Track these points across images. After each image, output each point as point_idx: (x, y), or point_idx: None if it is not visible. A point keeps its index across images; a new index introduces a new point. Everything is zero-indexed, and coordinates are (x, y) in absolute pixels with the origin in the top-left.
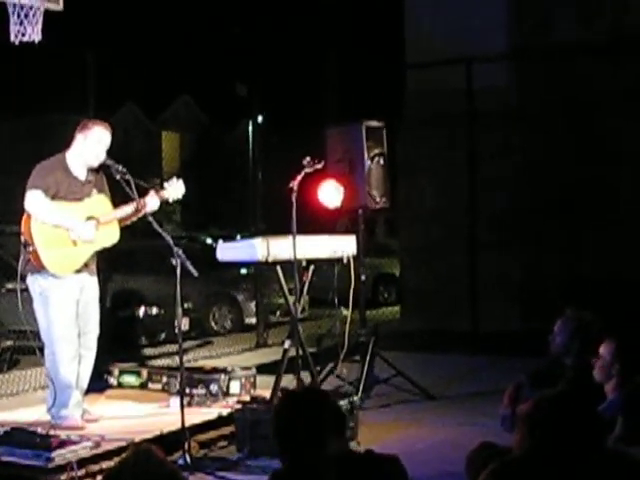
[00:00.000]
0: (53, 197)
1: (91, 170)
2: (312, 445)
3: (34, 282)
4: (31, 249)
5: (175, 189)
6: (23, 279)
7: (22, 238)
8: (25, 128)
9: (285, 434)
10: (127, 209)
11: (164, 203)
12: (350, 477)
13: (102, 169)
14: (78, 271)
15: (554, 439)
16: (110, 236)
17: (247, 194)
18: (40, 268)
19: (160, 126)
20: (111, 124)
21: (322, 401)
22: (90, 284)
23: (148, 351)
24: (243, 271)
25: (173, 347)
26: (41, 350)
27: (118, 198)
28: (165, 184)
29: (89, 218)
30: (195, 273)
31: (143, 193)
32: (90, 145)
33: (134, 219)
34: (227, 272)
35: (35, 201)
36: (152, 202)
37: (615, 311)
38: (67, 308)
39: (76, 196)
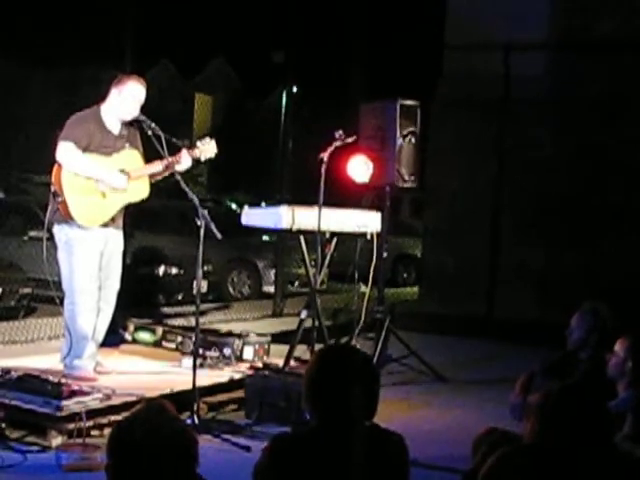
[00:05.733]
0: (85, 149)
1: (125, 124)
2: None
3: (60, 231)
4: (60, 199)
5: (208, 148)
6: (49, 229)
7: (52, 188)
8: (57, 80)
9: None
10: (159, 166)
11: (195, 162)
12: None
13: (136, 124)
14: (105, 224)
15: (562, 431)
16: (140, 191)
17: (275, 162)
18: (68, 218)
19: (194, 87)
20: (146, 80)
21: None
22: (115, 238)
23: (165, 310)
24: (265, 238)
25: (190, 308)
26: (61, 300)
27: (151, 154)
28: (198, 143)
29: (121, 172)
30: (219, 235)
31: (175, 150)
32: (124, 100)
33: (163, 176)
34: (249, 238)
35: (66, 152)
36: (184, 160)
37: (631, 309)
38: (91, 259)
39: (108, 150)
